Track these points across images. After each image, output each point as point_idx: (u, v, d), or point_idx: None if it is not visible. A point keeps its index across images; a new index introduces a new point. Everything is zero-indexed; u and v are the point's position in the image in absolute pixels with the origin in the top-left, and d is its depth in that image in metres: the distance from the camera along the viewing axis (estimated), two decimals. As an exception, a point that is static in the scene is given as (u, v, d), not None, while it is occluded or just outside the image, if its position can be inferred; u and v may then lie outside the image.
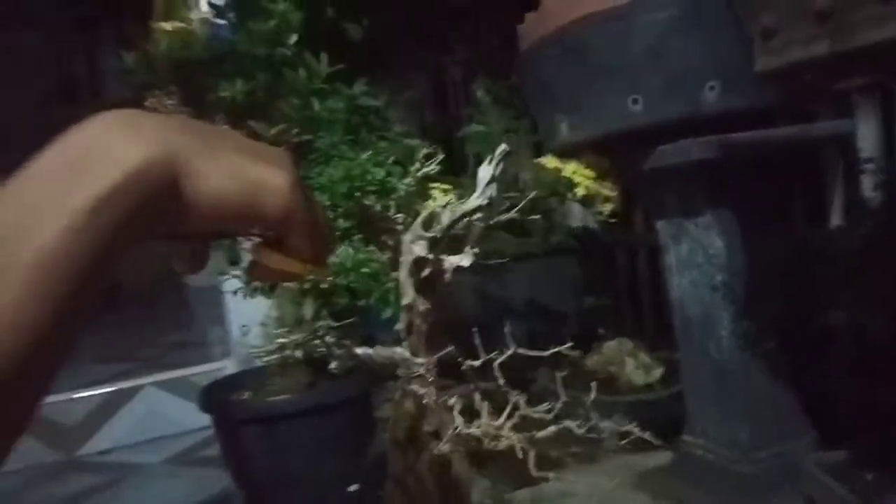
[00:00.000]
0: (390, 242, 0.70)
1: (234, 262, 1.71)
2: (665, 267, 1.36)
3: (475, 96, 1.87)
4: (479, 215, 0.67)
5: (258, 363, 1.65)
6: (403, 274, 0.67)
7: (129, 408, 2.09)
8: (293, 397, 1.33)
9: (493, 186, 0.65)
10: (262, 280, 0.48)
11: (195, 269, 0.44)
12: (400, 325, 0.68)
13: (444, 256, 0.64)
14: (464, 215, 0.65)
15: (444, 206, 0.64)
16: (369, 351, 0.69)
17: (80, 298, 0.33)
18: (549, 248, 1.80)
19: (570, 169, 1.34)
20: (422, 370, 0.66)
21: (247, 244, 0.47)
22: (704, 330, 1.29)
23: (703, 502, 1.30)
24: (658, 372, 1.70)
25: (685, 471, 1.40)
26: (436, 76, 2.67)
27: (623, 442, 0.59)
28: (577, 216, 1.75)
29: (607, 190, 1.40)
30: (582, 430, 0.57)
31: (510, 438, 0.59)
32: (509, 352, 0.62)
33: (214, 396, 1.37)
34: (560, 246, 1.82)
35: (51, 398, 2.16)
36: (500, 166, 0.66)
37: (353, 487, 1.07)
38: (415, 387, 0.67)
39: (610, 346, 1.77)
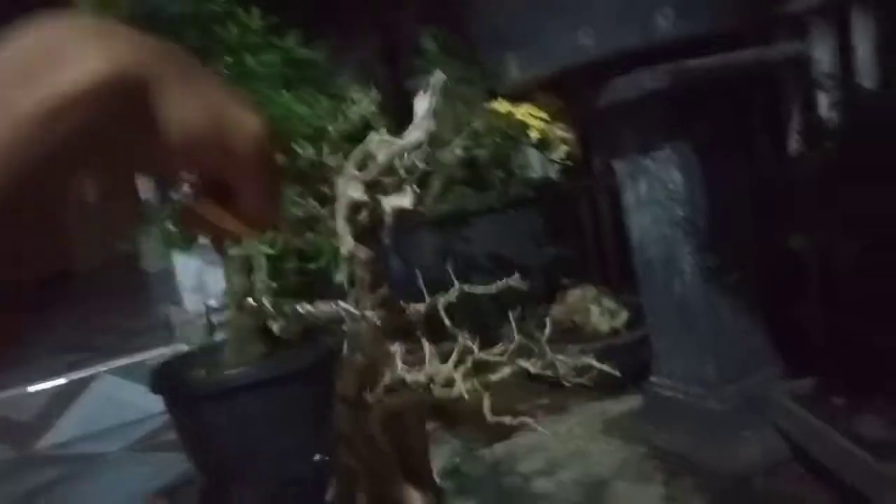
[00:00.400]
0: (328, 192, 0.65)
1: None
2: (624, 207, 1.33)
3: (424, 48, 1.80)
4: (418, 153, 0.62)
5: (215, 341, 1.58)
6: (340, 221, 0.61)
7: (86, 397, 2.02)
8: (249, 369, 1.27)
9: (432, 120, 0.59)
10: (189, 230, 0.42)
11: (127, 229, 0.38)
12: (341, 277, 0.63)
13: (381, 197, 0.58)
14: (402, 151, 0.59)
15: (380, 143, 0.59)
16: (309, 307, 0.63)
17: (21, 217, 0.29)
18: (509, 200, 1.75)
19: (523, 111, 1.28)
20: (367, 323, 0.60)
21: (183, 188, 0.40)
22: (667, 267, 1.26)
23: (674, 441, 1.29)
24: (623, 316, 1.68)
25: (654, 412, 1.38)
26: (386, 33, 2.58)
27: (583, 378, 0.55)
28: (534, 164, 1.71)
29: (562, 132, 1.34)
30: (537, 369, 0.52)
31: (460, 384, 0.54)
32: (454, 290, 0.58)
33: (166, 376, 1.31)
34: (519, 197, 1.78)
35: (3, 394, 2.07)
36: (437, 98, 0.61)
37: (317, 457, 1.03)
38: (361, 341, 0.62)
39: (574, 294, 1.75)
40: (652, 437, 1.34)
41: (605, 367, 0.54)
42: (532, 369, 0.54)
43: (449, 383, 0.54)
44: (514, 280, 0.55)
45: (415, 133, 0.61)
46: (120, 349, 2.26)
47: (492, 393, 0.54)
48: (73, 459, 1.86)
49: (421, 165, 0.68)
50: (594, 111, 1.23)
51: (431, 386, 0.56)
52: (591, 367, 0.54)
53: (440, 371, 0.54)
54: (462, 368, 0.53)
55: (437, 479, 1.28)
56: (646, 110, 1.19)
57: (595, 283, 1.75)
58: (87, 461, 1.85)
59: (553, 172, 1.65)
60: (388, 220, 0.61)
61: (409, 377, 0.54)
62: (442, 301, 0.57)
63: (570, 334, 1.70)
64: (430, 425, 1.64)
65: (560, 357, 0.54)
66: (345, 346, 0.63)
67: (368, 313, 0.61)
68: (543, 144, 1.40)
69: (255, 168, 0.37)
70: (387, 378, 0.54)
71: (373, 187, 0.61)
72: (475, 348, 0.59)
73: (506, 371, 0.57)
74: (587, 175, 1.78)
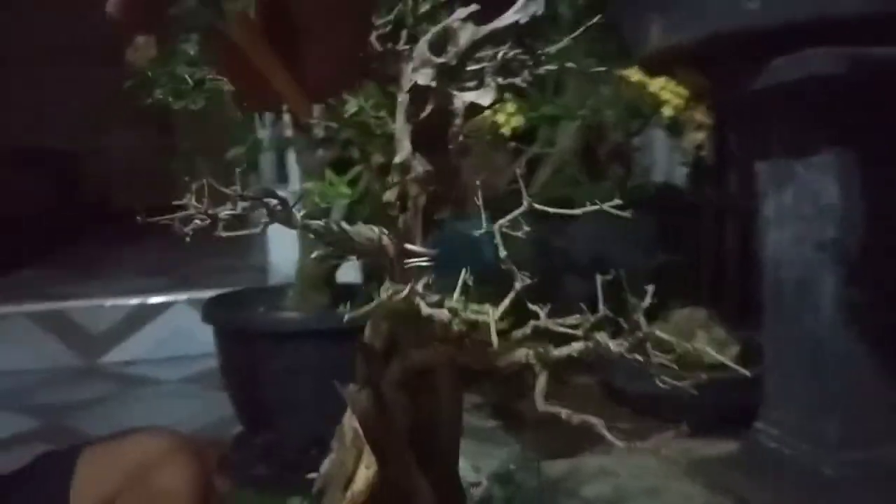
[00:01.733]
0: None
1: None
2: (761, 220, 1.12)
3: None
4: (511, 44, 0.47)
5: (282, 284, 1.49)
6: (399, 119, 0.47)
7: (159, 323, 2.00)
8: (307, 316, 1.17)
9: (541, 2, 0.45)
10: (227, 75, 0.34)
11: None
12: (389, 196, 0.49)
13: (454, 91, 0.44)
14: (491, 37, 0.45)
15: (464, 23, 0.44)
16: (348, 227, 0.49)
17: None
18: (623, 198, 1.56)
19: (658, 84, 1.11)
20: (414, 260, 0.46)
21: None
22: (802, 296, 1.05)
23: (768, 502, 1.08)
24: (733, 350, 1.46)
25: (751, 464, 1.17)
26: None
27: (681, 384, 0.39)
28: (658, 157, 1.52)
29: (701, 116, 1.15)
30: (621, 349, 0.37)
31: (513, 348, 0.39)
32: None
33: (221, 307, 1.23)
34: (635, 197, 1.59)
35: (80, 303, 2.09)
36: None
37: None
38: (402, 280, 0.48)
39: (681, 314, 1.54)
40: (742, 491, 1.14)
41: (725, 360, 0.39)
42: (614, 347, 0.39)
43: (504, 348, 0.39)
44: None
45: (513, 15, 0.46)
46: (205, 283, 2.22)
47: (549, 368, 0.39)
48: (133, 379, 1.85)
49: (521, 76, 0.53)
50: (743, 95, 1.04)
51: (466, 340, 0.41)
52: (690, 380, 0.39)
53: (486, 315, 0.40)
54: (520, 332, 0.39)
55: (483, 482, 1.12)
56: (808, 101, 0.99)
57: (706, 306, 1.54)
58: (143, 383, 1.82)
59: (679, 166, 1.46)
60: (459, 123, 0.47)
61: (437, 315, 0.40)
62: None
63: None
64: (490, 423, 1.50)
65: (658, 332, 0.38)
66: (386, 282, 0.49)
67: (411, 247, 0.47)
68: (675, 127, 1.21)
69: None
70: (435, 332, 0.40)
71: (446, 78, 0.47)
72: (542, 313, 0.43)
73: (576, 347, 0.41)
74: (717, 178, 1.57)
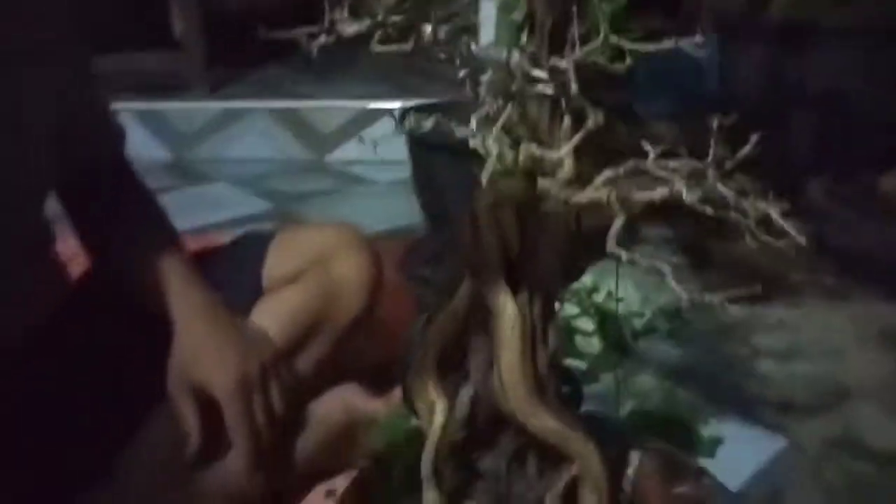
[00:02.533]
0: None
1: None
2: None
3: None
4: None
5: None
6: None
7: (377, 127, 2.12)
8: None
9: None
10: None
11: None
12: (517, 15, 0.48)
13: None
14: None
15: None
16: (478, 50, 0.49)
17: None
18: (880, 22, 1.34)
19: None
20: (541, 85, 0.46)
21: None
22: None
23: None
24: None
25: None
26: None
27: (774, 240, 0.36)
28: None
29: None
30: (691, 198, 0.35)
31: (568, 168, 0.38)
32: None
33: (416, 116, 1.28)
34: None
35: (314, 103, 2.27)
36: None
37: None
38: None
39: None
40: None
41: (791, 230, 0.35)
42: (687, 197, 0.36)
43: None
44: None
45: None
46: (427, 92, 2.26)
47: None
48: (349, 177, 2.02)
49: None
50: None
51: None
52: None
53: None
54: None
55: (646, 313, 1.12)
56: None
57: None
58: (359, 182, 1.99)
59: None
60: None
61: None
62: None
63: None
64: (675, 259, 1.45)
65: (728, 191, 0.35)
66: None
67: (538, 73, 0.45)
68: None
69: None
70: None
71: None
72: (651, 153, 0.41)
73: (659, 193, 0.39)
74: None
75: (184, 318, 0.71)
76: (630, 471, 0.60)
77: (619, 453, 0.62)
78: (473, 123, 0.41)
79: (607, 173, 0.40)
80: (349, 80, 2.51)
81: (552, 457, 0.49)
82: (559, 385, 0.48)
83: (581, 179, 0.40)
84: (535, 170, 0.41)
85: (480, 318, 0.48)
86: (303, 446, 0.76)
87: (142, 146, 2.19)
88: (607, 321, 1.10)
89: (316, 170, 2.08)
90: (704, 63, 2.08)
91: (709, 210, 0.36)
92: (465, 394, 0.50)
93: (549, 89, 0.45)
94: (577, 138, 0.39)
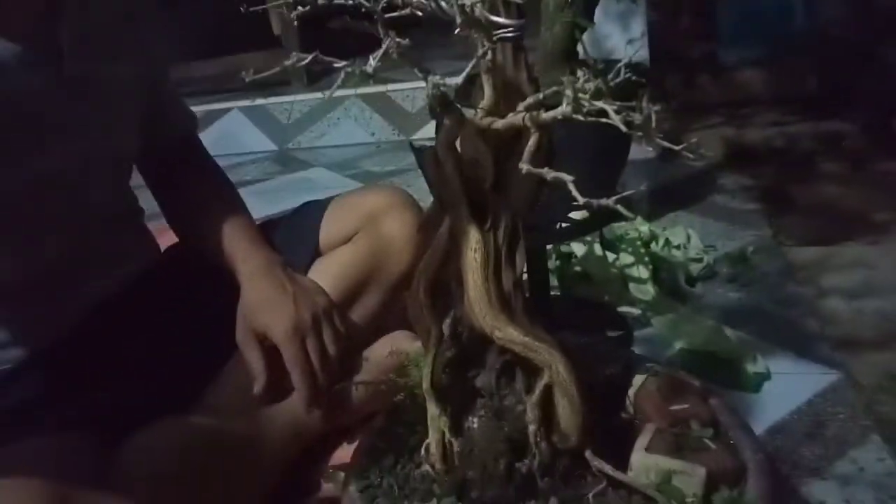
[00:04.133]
0: None
1: None
2: None
3: None
4: None
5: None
6: None
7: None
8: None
9: None
10: None
11: None
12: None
13: None
14: None
15: None
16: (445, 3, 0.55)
17: None
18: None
19: None
20: (501, 31, 0.51)
21: None
22: None
23: None
24: None
25: None
26: None
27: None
28: None
29: None
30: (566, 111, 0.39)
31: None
32: None
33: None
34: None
35: (401, 86, 2.36)
36: None
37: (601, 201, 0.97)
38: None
39: None
40: None
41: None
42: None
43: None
44: None
45: None
46: None
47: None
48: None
49: None
50: None
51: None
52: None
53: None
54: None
55: (705, 258, 1.13)
56: None
57: None
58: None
59: None
60: None
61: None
62: None
63: None
64: (750, 205, 1.42)
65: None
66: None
67: (496, 18, 0.50)
68: None
69: None
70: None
71: None
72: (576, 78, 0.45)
73: (560, 111, 0.43)
74: None
75: (248, 275, 0.81)
76: (630, 391, 0.64)
77: (623, 374, 0.67)
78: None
79: (529, 101, 0.45)
80: (436, 64, 2.59)
81: (534, 369, 0.55)
82: (528, 302, 0.53)
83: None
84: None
85: (455, 245, 0.54)
86: (358, 388, 0.84)
87: (250, 140, 2.40)
88: (661, 268, 1.12)
89: (403, 149, 2.18)
90: (791, 2, 1.98)
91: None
92: (449, 315, 0.56)
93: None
94: (469, 67, 0.44)
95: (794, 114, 1.80)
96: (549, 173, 0.42)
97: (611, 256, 1.11)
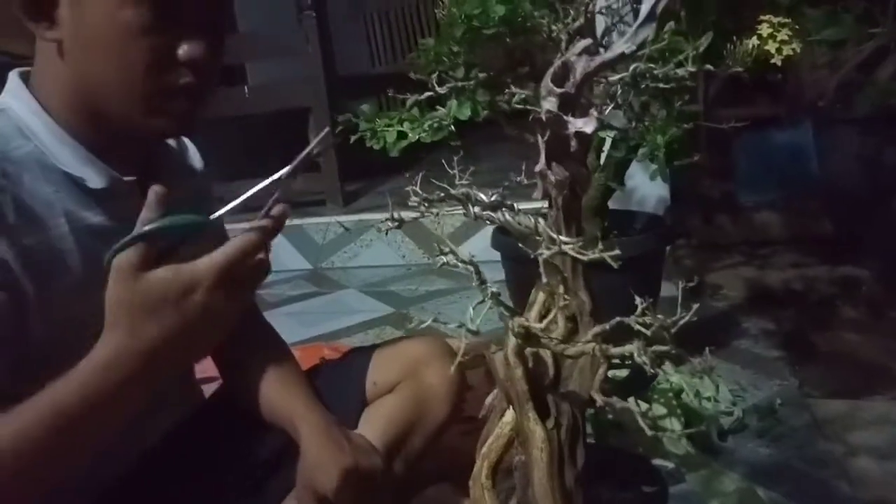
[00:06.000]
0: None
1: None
2: None
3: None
4: (621, 71, 0.54)
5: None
6: (539, 138, 0.58)
7: (489, 230, 2.27)
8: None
9: (651, 27, 0.51)
10: None
11: None
12: (537, 194, 0.61)
13: (568, 118, 0.53)
14: (601, 67, 0.52)
15: (579, 55, 0.53)
16: (510, 218, 0.64)
17: None
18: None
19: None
20: (561, 248, 0.58)
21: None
22: None
23: None
24: None
25: None
26: None
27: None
28: None
29: None
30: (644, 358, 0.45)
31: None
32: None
33: (503, 235, 1.39)
34: None
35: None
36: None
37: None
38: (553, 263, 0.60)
39: None
40: None
41: None
42: (637, 357, 0.47)
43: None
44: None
45: (624, 46, 0.53)
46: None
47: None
48: (462, 277, 2.16)
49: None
50: None
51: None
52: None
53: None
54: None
55: (736, 411, 1.16)
56: None
57: None
58: (470, 283, 2.13)
59: None
60: (574, 146, 0.56)
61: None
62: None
63: None
64: (774, 352, 1.46)
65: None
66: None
67: (565, 242, 0.58)
68: None
69: None
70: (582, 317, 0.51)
71: (568, 104, 0.55)
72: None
73: (629, 348, 0.49)
74: None
75: (307, 436, 0.86)
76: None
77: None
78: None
79: (595, 329, 0.51)
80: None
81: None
82: (586, 498, 0.58)
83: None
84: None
85: (521, 439, 0.59)
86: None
87: (286, 258, 2.49)
88: (693, 421, 1.15)
89: (433, 272, 2.26)
90: (805, 150, 2.09)
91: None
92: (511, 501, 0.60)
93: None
94: (552, 314, 0.51)
95: (811, 255, 1.87)
96: (617, 402, 0.48)
97: (642, 405, 1.14)
